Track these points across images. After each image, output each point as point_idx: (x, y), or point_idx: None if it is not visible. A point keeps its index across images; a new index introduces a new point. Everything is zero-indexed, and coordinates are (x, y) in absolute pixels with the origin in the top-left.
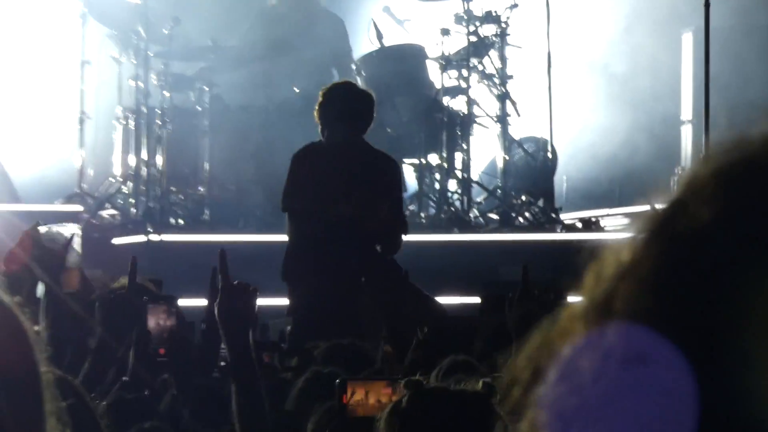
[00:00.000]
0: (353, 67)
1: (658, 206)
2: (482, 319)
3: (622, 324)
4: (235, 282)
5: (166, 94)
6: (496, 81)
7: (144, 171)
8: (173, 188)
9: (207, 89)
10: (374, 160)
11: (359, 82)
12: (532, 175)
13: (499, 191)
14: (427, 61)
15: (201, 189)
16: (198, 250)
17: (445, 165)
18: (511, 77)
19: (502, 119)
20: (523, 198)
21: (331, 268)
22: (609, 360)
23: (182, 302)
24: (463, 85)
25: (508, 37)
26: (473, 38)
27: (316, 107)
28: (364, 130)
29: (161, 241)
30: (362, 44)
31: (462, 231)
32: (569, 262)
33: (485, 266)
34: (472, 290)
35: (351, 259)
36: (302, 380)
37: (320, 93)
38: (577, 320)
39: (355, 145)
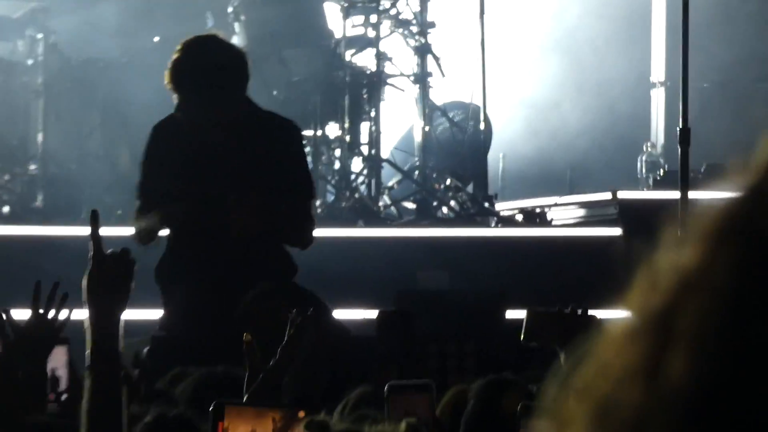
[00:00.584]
0: (229, 11)
1: (726, 196)
2: (382, 339)
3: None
4: (110, 251)
5: None
6: (414, 30)
7: None
8: None
9: (40, 37)
10: (259, 126)
11: (237, 30)
12: (459, 152)
13: (416, 173)
14: (326, 4)
15: (32, 166)
16: (28, 247)
17: (347, 138)
18: (432, 25)
19: (422, 79)
20: (448, 182)
21: (209, 270)
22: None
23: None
24: (371, 34)
25: None
26: None
27: (168, 68)
28: (228, 103)
29: None
30: None
31: (368, 224)
32: (506, 265)
33: (399, 271)
34: (381, 301)
35: (234, 257)
36: (141, 426)
37: (176, 50)
38: (629, 343)
39: (228, 112)
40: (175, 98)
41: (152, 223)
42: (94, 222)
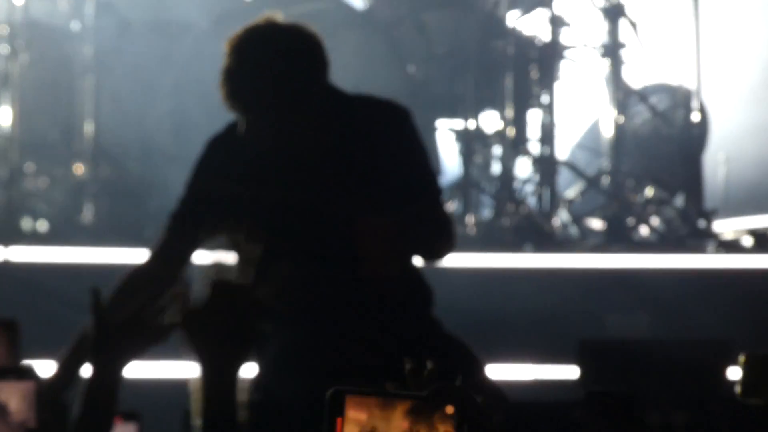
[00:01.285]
0: None
1: None
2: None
3: None
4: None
5: (16, 1)
6: None
7: None
8: (30, 165)
9: None
10: (351, 120)
11: None
12: (664, 152)
13: (605, 180)
14: None
15: (79, 167)
16: (72, 277)
17: (511, 132)
18: None
19: (612, 52)
20: (649, 192)
21: (320, 307)
22: None
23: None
24: None
25: None
26: None
27: (220, 79)
28: (303, 110)
29: (6, 263)
30: None
31: (539, 249)
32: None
33: (581, 313)
34: (555, 354)
35: (352, 289)
36: None
37: (225, 53)
38: None
39: (304, 123)
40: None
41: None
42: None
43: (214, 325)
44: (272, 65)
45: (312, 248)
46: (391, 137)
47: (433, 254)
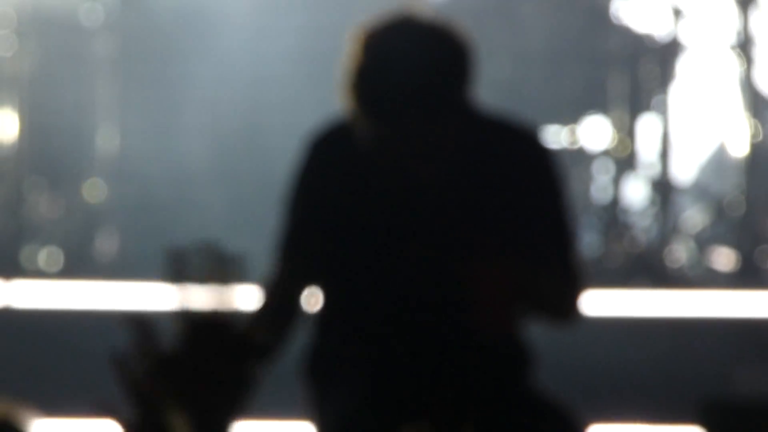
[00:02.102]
0: None
1: None
2: None
3: None
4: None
5: None
6: None
7: None
8: (37, 184)
9: None
10: (487, 146)
11: None
12: None
13: (736, 205)
14: None
15: (95, 187)
16: (92, 319)
17: (620, 146)
18: None
19: (745, 50)
20: None
21: (396, 361)
22: None
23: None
24: None
25: None
26: None
27: (345, 75)
28: (441, 125)
29: (8, 310)
30: None
31: (656, 288)
32: None
33: (705, 366)
34: (672, 414)
35: (439, 341)
36: None
37: (353, 46)
38: None
39: (441, 139)
40: (353, 113)
41: None
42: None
43: (194, 371)
44: (422, 71)
45: (415, 285)
46: (533, 174)
47: (554, 315)
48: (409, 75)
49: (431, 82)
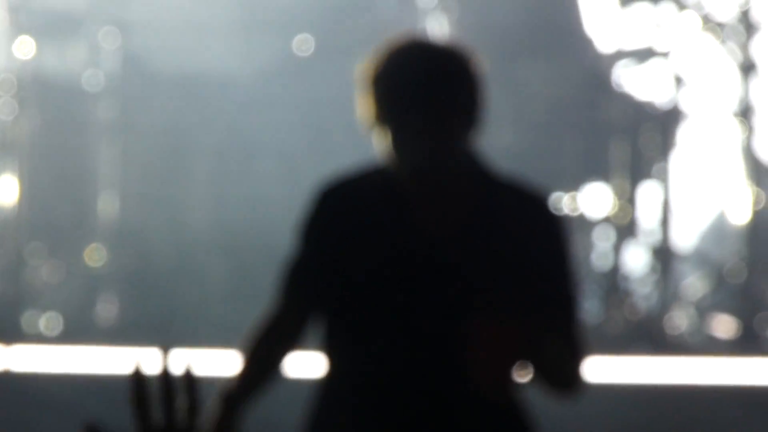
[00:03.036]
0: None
1: None
2: None
3: None
4: None
5: (23, 54)
6: (734, 35)
7: None
8: (37, 249)
9: (111, 43)
10: (500, 206)
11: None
12: None
13: (737, 274)
14: None
15: (96, 252)
16: (92, 386)
17: (619, 213)
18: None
19: (745, 117)
20: None
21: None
22: None
23: None
24: (661, 49)
25: None
26: None
27: (373, 78)
28: (463, 138)
29: (8, 374)
30: None
31: (656, 355)
32: None
33: None
34: None
35: (437, 411)
36: None
37: (375, 59)
38: None
39: (455, 173)
40: (375, 135)
41: None
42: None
43: None
44: (433, 86)
45: (419, 343)
46: (544, 238)
47: (557, 383)
48: (437, 90)
49: (456, 111)
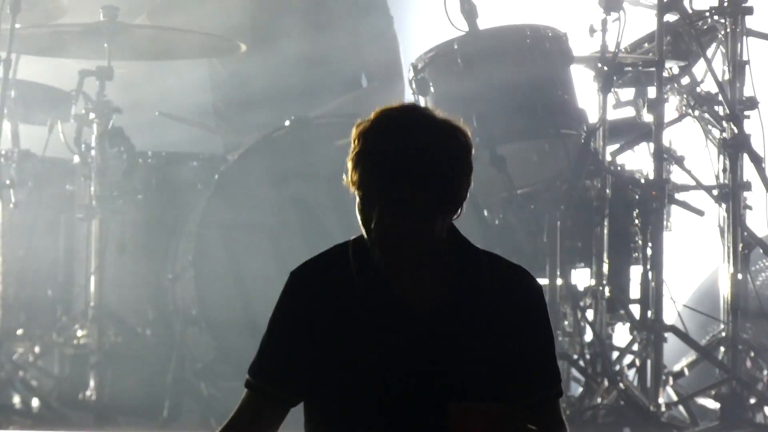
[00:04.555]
0: (410, 68)
1: None
2: None
3: None
4: None
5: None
6: (720, 112)
7: None
8: (20, 330)
9: (93, 117)
10: (481, 278)
11: (426, 103)
12: None
13: (722, 350)
14: (573, 68)
15: (80, 332)
16: None
17: (605, 291)
18: (754, 104)
19: (732, 196)
20: None
21: None
22: None
23: None
24: (648, 118)
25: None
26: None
27: (349, 166)
28: (443, 216)
29: None
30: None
31: None
32: None
33: None
34: None
35: None
36: None
37: (364, 127)
38: None
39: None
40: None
41: None
42: None
43: None
44: (413, 160)
45: (401, 421)
46: (523, 314)
47: None
48: (421, 159)
49: (443, 171)
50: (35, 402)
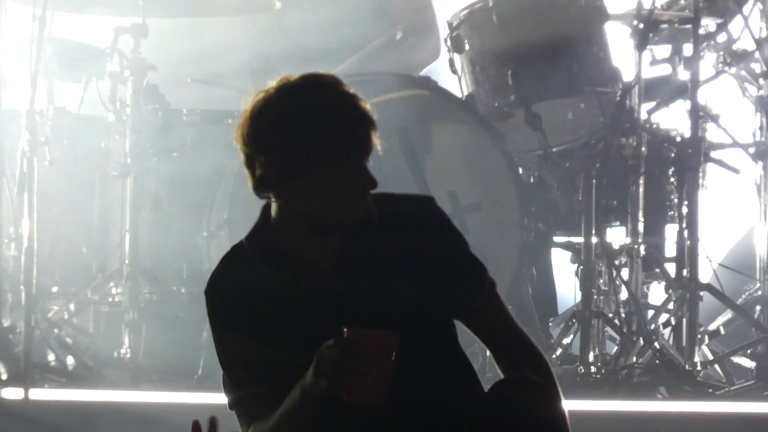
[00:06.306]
0: (445, 25)
1: None
2: None
3: None
4: None
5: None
6: (758, 70)
7: None
8: (54, 288)
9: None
10: (390, 218)
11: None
12: None
13: (758, 308)
14: (607, 26)
15: (115, 289)
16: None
17: (641, 249)
18: None
19: (766, 152)
20: None
21: None
22: None
23: None
24: (685, 75)
25: None
26: None
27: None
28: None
29: (26, 401)
30: None
31: (674, 395)
32: None
33: None
34: None
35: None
36: None
37: (260, 99)
38: None
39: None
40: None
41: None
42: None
43: None
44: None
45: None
46: (422, 236)
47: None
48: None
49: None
50: (70, 360)
